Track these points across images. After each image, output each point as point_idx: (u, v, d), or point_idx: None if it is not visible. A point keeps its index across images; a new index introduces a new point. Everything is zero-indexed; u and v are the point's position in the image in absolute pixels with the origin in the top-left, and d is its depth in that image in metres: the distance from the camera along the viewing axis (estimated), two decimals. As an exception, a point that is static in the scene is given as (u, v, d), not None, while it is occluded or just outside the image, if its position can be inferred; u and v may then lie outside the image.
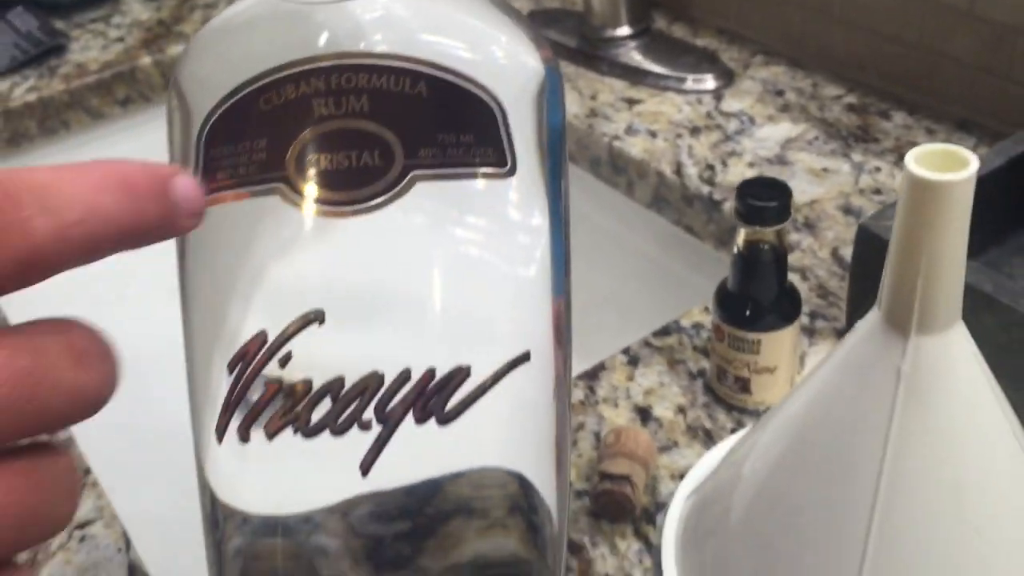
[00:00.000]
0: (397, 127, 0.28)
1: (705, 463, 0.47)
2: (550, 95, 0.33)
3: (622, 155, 0.70)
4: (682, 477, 0.46)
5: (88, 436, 0.54)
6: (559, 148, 0.33)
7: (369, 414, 0.28)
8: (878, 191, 0.63)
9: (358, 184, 0.28)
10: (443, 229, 0.31)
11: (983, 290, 0.44)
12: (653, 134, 0.71)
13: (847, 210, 0.61)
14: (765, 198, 0.43)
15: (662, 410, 0.50)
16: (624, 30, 0.79)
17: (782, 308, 0.46)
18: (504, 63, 0.32)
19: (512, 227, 0.32)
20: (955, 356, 0.34)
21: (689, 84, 0.75)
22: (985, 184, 0.50)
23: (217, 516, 0.31)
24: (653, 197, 0.69)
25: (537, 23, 0.85)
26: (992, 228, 0.54)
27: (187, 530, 0.51)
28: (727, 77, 0.76)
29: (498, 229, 0.32)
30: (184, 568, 0.48)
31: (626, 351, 0.54)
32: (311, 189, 0.28)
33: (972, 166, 0.30)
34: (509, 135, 0.30)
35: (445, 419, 0.29)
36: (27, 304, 0.74)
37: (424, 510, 0.31)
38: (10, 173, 0.23)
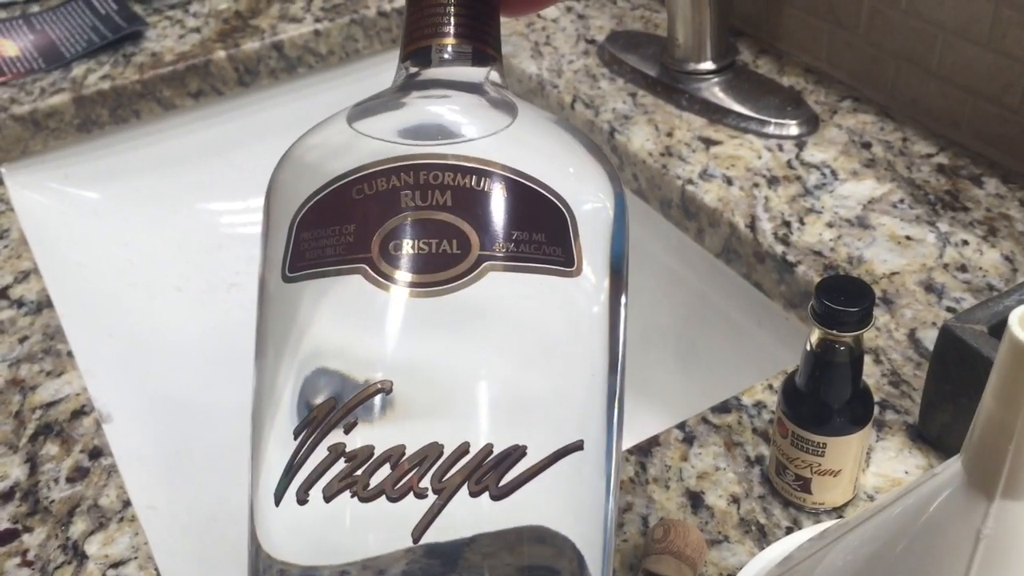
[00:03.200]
0: (475, 221, 0.30)
1: (755, 566, 0.45)
2: (616, 223, 0.34)
3: (695, 201, 0.68)
4: (731, 577, 0.45)
5: (128, 466, 0.53)
6: (621, 268, 0.34)
7: (426, 483, 0.29)
8: (963, 268, 0.59)
9: (435, 269, 0.30)
10: (510, 315, 0.32)
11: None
12: (729, 180, 0.68)
13: (928, 287, 0.58)
14: (846, 303, 0.41)
15: (715, 498, 0.48)
16: (708, 64, 0.76)
17: (853, 411, 0.44)
18: (578, 189, 0.33)
19: (573, 322, 0.33)
20: (1041, 525, 0.31)
21: (771, 128, 0.72)
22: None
23: (259, 566, 0.32)
24: (723, 248, 0.67)
25: (618, 46, 0.82)
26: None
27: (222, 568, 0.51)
28: (812, 123, 0.73)
29: (559, 320, 0.33)
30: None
31: (682, 427, 0.52)
32: (391, 271, 0.30)
33: (1083, 336, 0.28)
34: (577, 239, 0.32)
35: (499, 495, 0.29)
36: (88, 301, 0.73)
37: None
38: None
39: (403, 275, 0.30)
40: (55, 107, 0.82)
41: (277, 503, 0.31)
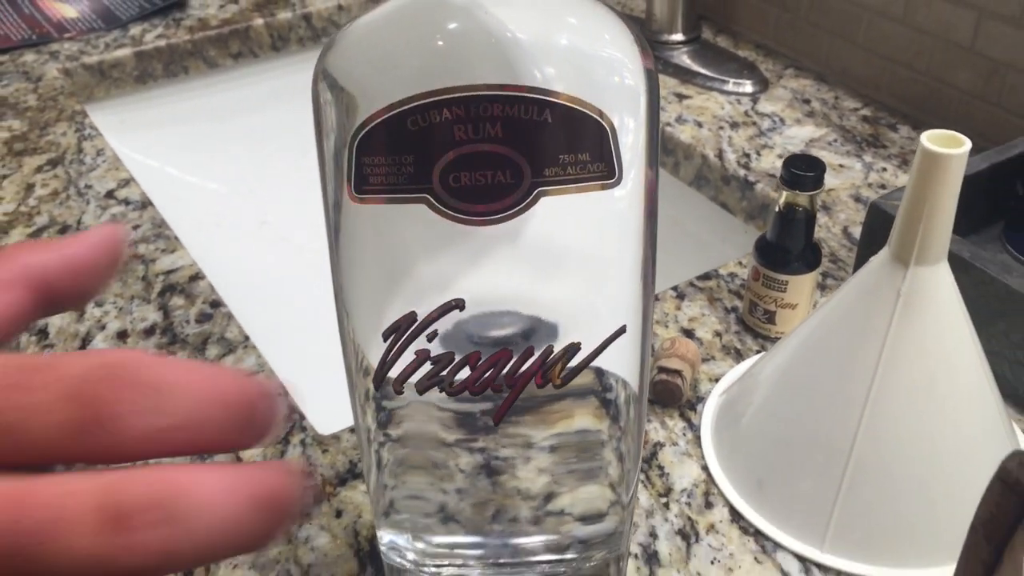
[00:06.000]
0: (526, 150, 0.33)
1: (736, 371, 0.61)
2: (650, 103, 0.36)
3: (672, 139, 0.84)
4: (717, 380, 0.60)
5: (238, 307, 0.67)
6: (655, 144, 0.37)
7: (500, 380, 0.35)
8: (883, 186, 0.77)
9: (492, 199, 0.33)
10: (561, 232, 0.36)
11: (962, 256, 0.58)
12: (700, 124, 0.85)
13: (857, 198, 0.75)
14: (805, 169, 0.57)
15: (703, 332, 0.63)
16: (679, 36, 0.92)
17: (807, 258, 0.60)
18: (616, 84, 0.35)
19: (615, 224, 0.36)
20: (940, 283, 0.47)
21: (731, 87, 0.89)
22: (971, 184, 0.65)
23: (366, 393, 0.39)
24: (696, 176, 0.83)
25: (602, 23, 0.98)
26: (974, 219, 0.68)
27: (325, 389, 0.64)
28: (763, 84, 0.90)
29: (604, 227, 0.36)
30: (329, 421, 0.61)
31: (675, 288, 0.67)
32: (453, 201, 0.33)
33: (966, 146, 0.44)
34: (618, 150, 0.34)
35: (561, 384, 0.36)
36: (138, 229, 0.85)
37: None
38: (137, 362, 0.23)
39: (463, 204, 0.33)
40: (119, 59, 0.94)
41: (376, 388, 0.37)
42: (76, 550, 0.21)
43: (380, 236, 0.35)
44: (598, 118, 0.33)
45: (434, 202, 0.33)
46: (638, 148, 0.35)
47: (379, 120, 0.32)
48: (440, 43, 0.33)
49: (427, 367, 0.35)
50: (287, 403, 0.25)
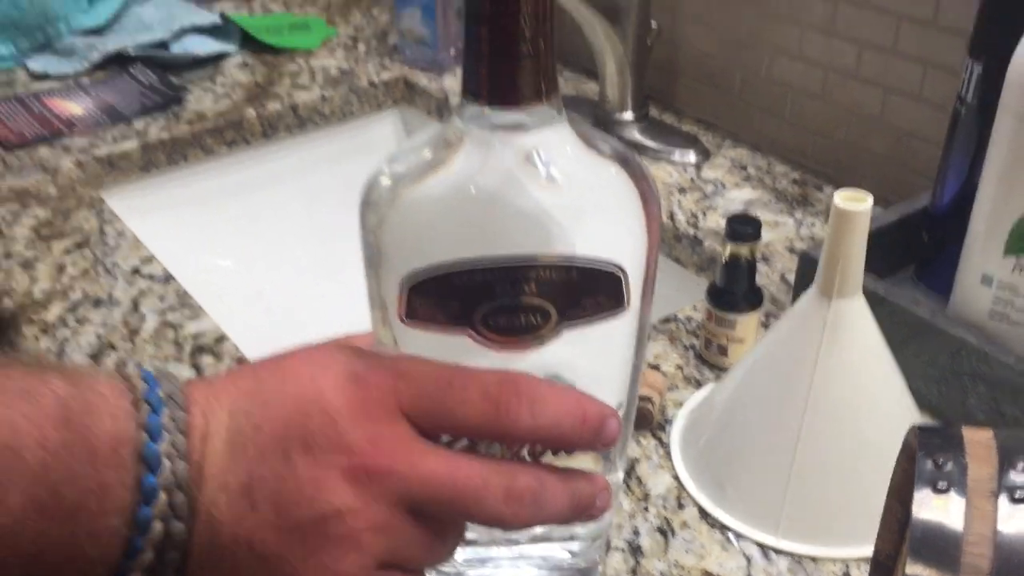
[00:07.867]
0: (554, 301, 0.40)
1: (696, 397, 0.71)
2: (650, 245, 0.43)
3: (629, 205, 0.95)
4: (682, 405, 0.70)
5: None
6: (655, 262, 0.44)
7: (523, 453, 0.42)
8: (813, 238, 0.89)
9: (524, 333, 0.40)
10: (577, 351, 0.43)
11: (878, 293, 0.69)
12: (652, 192, 0.96)
13: (791, 250, 0.87)
14: (745, 225, 0.69)
15: (667, 367, 0.74)
16: (629, 115, 1.05)
17: (751, 299, 0.71)
18: (626, 238, 0.42)
19: (619, 335, 0.44)
20: (858, 313, 0.58)
21: (676, 157, 1.01)
22: (884, 234, 0.77)
23: None
24: (651, 237, 0.94)
25: (560, 105, 1.10)
26: (889, 264, 0.80)
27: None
28: (705, 155, 1.02)
29: (611, 339, 0.44)
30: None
31: (641, 332, 0.78)
32: (490, 334, 0.40)
33: (869, 201, 0.55)
34: (628, 288, 0.41)
35: (555, 452, 0.42)
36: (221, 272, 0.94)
37: None
38: (528, 382, 0.36)
39: (499, 337, 0.40)
40: (126, 151, 1.04)
41: None
42: (488, 507, 0.36)
43: (427, 340, 0.41)
44: (614, 270, 0.40)
45: (474, 335, 0.39)
46: (641, 272, 0.42)
47: (431, 275, 0.39)
48: (484, 222, 0.40)
49: (463, 442, 0.40)
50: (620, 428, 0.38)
